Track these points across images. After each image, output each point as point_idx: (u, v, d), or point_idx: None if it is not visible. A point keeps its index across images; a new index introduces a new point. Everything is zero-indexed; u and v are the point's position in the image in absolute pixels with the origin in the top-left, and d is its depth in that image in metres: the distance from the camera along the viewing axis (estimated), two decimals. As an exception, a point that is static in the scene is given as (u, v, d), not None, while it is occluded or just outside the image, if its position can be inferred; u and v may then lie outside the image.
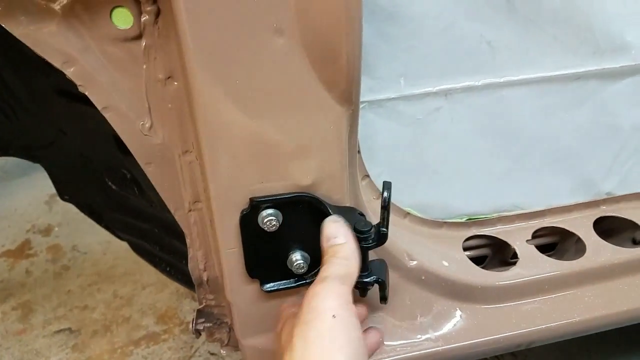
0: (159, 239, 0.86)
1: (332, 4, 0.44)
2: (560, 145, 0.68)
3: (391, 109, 0.62)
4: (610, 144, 0.70)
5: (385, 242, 0.48)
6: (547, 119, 0.66)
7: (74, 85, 0.49)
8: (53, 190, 2.30)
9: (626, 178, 0.73)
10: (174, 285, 1.62)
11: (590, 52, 0.64)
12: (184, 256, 0.85)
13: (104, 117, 0.51)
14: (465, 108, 0.63)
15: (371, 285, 0.51)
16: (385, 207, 0.47)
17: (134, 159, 0.54)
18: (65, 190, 0.94)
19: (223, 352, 0.76)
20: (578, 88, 0.66)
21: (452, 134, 0.63)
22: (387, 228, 0.48)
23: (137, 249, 0.93)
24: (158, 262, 0.90)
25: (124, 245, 1.53)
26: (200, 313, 0.68)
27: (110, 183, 0.83)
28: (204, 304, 0.67)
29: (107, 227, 0.96)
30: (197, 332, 0.69)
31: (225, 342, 0.74)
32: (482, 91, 0.62)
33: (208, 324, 0.69)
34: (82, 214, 2.06)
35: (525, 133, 0.66)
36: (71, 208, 2.20)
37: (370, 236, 0.48)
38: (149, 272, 1.66)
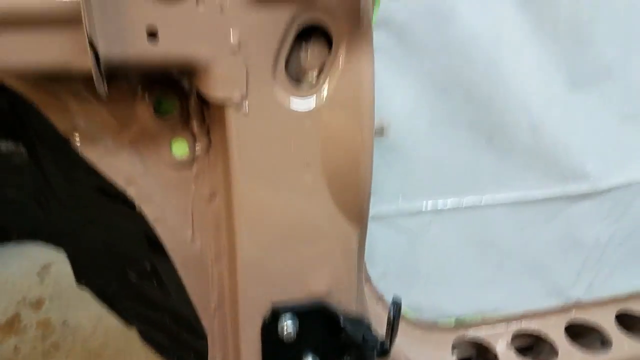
0: (169, 330, 0.91)
1: (351, 143, 0.56)
2: (534, 256, 0.79)
3: (390, 222, 0.72)
4: (576, 256, 0.81)
5: (386, 355, 0.56)
6: (522, 233, 0.78)
7: (115, 187, 0.58)
8: (45, 261, 2.31)
9: (592, 285, 0.83)
10: (164, 367, 1.62)
11: (557, 179, 0.77)
12: (192, 349, 0.91)
13: (136, 216, 0.60)
14: (453, 223, 0.74)
15: None
16: (391, 324, 0.55)
17: (161, 254, 0.62)
18: (83, 275, 1.00)
19: None
20: (547, 208, 0.78)
21: (442, 244, 0.74)
22: (390, 343, 0.56)
23: (145, 337, 0.97)
24: (166, 352, 0.94)
25: (115, 322, 1.55)
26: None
27: (130, 273, 0.90)
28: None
29: (119, 313, 1.02)
30: None
31: None
32: (467, 209, 0.74)
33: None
34: (73, 288, 2.07)
35: (504, 245, 0.77)
36: (63, 281, 2.20)
37: (375, 346, 0.56)
38: (139, 353, 1.66)
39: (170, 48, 0.46)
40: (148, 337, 0.95)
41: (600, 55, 0.69)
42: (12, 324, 1.82)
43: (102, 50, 0.44)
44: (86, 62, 0.45)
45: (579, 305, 0.84)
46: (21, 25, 0.43)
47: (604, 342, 0.84)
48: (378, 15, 0.59)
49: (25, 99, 0.55)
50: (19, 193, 0.91)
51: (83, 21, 0.42)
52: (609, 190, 0.79)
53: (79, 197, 0.85)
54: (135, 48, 0.45)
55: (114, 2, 0.44)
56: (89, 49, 0.43)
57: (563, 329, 0.81)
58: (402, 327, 0.73)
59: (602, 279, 0.84)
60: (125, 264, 0.90)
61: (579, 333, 0.83)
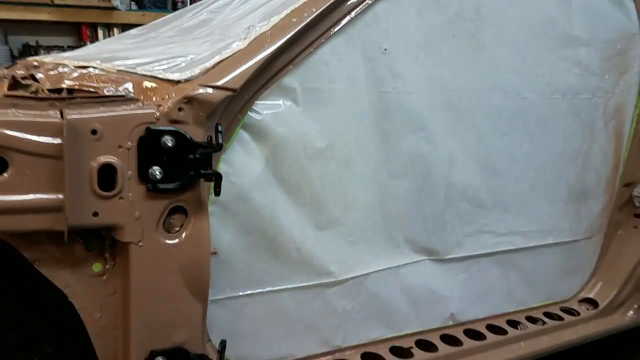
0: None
1: (197, 260, 1.08)
2: (310, 320, 1.36)
3: (222, 303, 1.24)
4: (333, 319, 1.41)
5: None
6: (301, 307, 1.35)
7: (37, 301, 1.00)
8: None
9: (346, 336, 1.43)
10: None
11: (315, 275, 1.36)
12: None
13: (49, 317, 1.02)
14: (260, 302, 1.29)
15: None
16: (221, 352, 1.06)
17: (66, 342, 1.05)
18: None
19: None
20: (313, 291, 1.37)
21: (252, 317, 1.28)
22: None
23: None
24: None
25: None
26: None
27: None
28: None
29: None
30: None
31: None
32: (267, 293, 1.30)
33: None
34: None
35: (291, 313, 1.33)
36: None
37: None
38: None
39: (104, 220, 0.98)
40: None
41: (331, 212, 1.36)
42: None
43: (69, 222, 0.93)
44: (60, 227, 0.93)
45: (339, 350, 1.42)
46: (28, 213, 0.91)
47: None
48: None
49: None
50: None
51: (65, 213, 0.92)
52: (346, 281, 1.42)
53: (4, 308, 1.20)
54: (86, 221, 0.96)
55: (79, 198, 0.94)
56: (66, 222, 0.92)
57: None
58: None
59: (351, 332, 1.45)
60: (32, 352, 1.24)
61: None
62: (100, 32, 3.59)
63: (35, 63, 1.40)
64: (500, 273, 1.73)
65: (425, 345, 1.56)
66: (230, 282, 1.25)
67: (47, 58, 1.47)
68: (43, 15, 3.52)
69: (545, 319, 1.80)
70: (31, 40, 3.57)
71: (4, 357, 1.26)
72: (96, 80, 1.10)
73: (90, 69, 1.13)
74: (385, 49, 1.31)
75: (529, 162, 1.73)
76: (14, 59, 3.30)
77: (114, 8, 3.68)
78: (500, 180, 1.68)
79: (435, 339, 1.58)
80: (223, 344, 1.09)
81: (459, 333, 1.63)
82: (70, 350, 1.18)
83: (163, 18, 2.03)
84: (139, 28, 2.03)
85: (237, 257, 1.25)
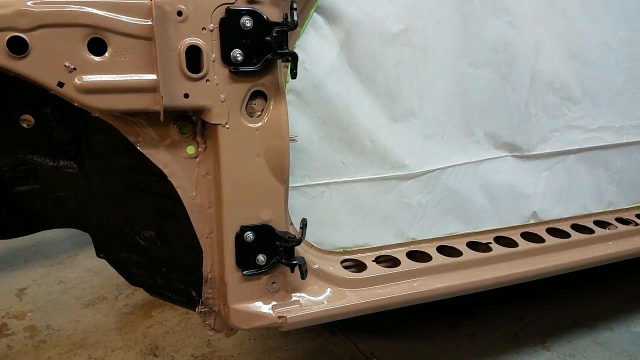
0: (166, 275, 1.42)
1: (278, 144, 1.14)
2: (385, 211, 1.40)
3: (301, 190, 1.31)
4: (409, 212, 1.43)
5: (300, 244, 1.13)
6: (376, 198, 1.38)
7: (139, 183, 1.11)
8: (21, 285, 2.64)
9: (421, 230, 1.45)
10: (138, 347, 2.04)
11: (390, 168, 1.38)
12: (182, 283, 1.41)
13: (149, 198, 1.13)
14: (336, 191, 1.34)
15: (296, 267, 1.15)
16: (302, 227, 1.13)
17: (168, 219, 1.16)
18: (102, 250, 1.47)
19: (210, 333, 1.31)
20: (387, 184, 1.39)
21: (331, 203, 1.33)
22: (302, 239, 1.14)
23: (143, 283, 1.46)
24: (162, 293, 1.44)
25: (92, 321, 2.01)
26: (202, 302, 1.25)
27: (139, 241, 1.40)
28: (205, 296, 1.25)
29: (124, 272, 1.49)
30: (200, 314, 1.25)
31: (212, 326, 1.30)
32: (343, 183, 1.34)
33: (204, 309, 1.26)
34: (51, 303, 2.49)
35: (369, 204, 1.37)
36: (40, 299, 2.57)
37: (294, 241, 1.13)
38: (116, 339, 2.07)
39: (195, 102, 1.04)
40: (145, 283, 1.44)
41: (405, 103, 1.34)
42: (1, 331, 2.15)
43: (164, 102, 1.01)
44: (156, 107, 1.01)
45: (414, 242, 1.46)
46: (127, 92, 1.00)
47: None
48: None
49: (91, 130, 1.09)
50: (66, 193, 1.39)
51: (159, 93, 0.99)
52: (421, 174, 1.42)
53: (109, 193, 1.36)
54: (178, 102, 1.03)
55: (171, 79, 1.01)
56: (161, 102, 1.00)
57: (405, 254, 1.42)
58: (311, 251, 1.31)
59: (426, 226, 1.47)
60: (136, 236, 1.40)
61: (415, 257, 1.44)
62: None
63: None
64: (588, 171, 1.65)
65: (505, 242, 1.55)
66: (308, 171, 1.30)
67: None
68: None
69: (638, 221, 1.71)
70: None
71: (113, 238, 1.43)
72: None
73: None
74: None
75: (624, 51, 1.58)
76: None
77: None
78: (591, 71, 1.55)
79: (515, 236, 1.57)
80: (304, 221, 1.16)
81: (541, 231, 1.60)
82: (167, 236, 1.31)
83: None
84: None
85: (314, 147, 1.29)
